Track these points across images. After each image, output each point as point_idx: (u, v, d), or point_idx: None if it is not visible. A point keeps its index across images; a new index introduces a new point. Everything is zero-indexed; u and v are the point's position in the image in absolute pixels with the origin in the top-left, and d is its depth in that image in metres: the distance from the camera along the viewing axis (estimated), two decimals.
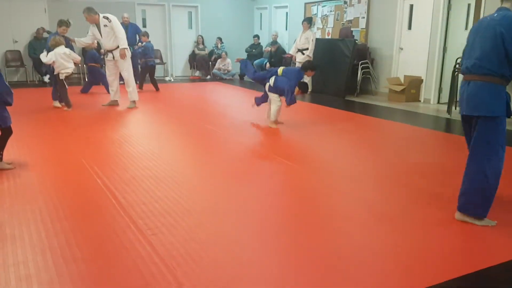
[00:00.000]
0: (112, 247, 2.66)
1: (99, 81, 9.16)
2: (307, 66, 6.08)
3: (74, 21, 8.95)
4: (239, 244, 2.72)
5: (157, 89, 9.83)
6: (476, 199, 2.99)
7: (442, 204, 3.36)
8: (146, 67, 9.93)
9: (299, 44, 9.62)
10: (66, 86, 6.96)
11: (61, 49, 6.80)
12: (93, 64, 9.17)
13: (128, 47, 7.42)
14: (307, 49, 9.48)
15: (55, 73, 6.95)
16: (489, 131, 2.93)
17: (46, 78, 10.41)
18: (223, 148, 5.15)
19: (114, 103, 7.79)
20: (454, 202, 3.14)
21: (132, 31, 11.03)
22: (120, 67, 7.47)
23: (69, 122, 6.40)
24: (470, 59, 3.01)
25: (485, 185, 2.97)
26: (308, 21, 9.63)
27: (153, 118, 6.97)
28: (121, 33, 7.23)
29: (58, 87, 7.06)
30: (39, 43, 10.61)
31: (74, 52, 7.30)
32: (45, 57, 6.83)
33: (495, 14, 3.01)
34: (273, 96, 6.01)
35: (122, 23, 10.79)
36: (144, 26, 12.45)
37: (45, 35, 10.72)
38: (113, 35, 7.20)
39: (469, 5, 8.35)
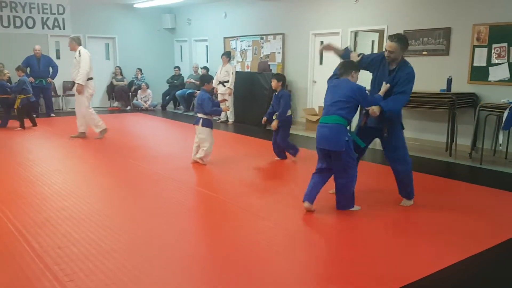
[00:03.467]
0: None
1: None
2: (202, 80, 6.05)
3: None
4: (164, 285, 2.71)
5: (34, 124, 9.03)
6: None
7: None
8: (29, 103, 8.81)
9: (220, 76, 9.86)
10: None
11: None
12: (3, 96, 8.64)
13: (83, 84, 7.51)
14: (227, 81, 9.72)
15: None
16: None
17: None
18: (145, 183, 5.07)
19: (82, 135, 7.89)
20: None
21: (45, 63, 10.61)
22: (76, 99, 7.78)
23: None
24: None
25: None
26: (227, 55, 9.92)
27: (69, 153, 6.68)
28: (83, 68, 7.43)
29: None
30: None
31: None
32: None
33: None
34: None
35: (33, 55, 10.41)
36: (58, 57, 12.00)
37: None
38: (78, 68, 7.48)
39: (373, 41, 9.14)
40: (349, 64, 4.10)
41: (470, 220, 3.95)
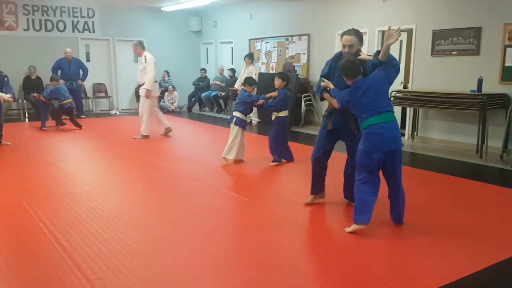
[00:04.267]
0: None
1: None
2: (246, 81, 6.07)
3: (13, 56, 8.78)
4: (188, 284, 2.74)
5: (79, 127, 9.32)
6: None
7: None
8: (60, 107, 9.08)
9: (242, 78, 9.88)
10: None
11: None
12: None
13: (150, 89, 7.90)
14: None
15: None
16: None
17: None
18: (172, 184, 5.14)
19: (168, 131, 8.36)
20: None
21: (75, 66, 10.88)
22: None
23: (7, 161, 6.15)
24: None
25: None
26: (250, 57, 9.98)
27: (97, 154, 6.84)
28: (150, 74, 7.79)
29: None
30: None
31: (9, 86, 7.20)
32: None
33: None
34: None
35: (64, 58, 10.69)
36: (88, 60, 12.30)
37: None
38: (144, 73, 7.86)
39: (401, 41, 8.99)
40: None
41: (502, 224, 3.84)
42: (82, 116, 11.00)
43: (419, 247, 3.32)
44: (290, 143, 6.14)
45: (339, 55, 3.90)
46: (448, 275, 2.85)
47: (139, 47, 8.05)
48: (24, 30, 11.13)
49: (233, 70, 11.63)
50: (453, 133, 7.41)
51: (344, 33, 3.79)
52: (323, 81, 3.92)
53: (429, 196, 4.66)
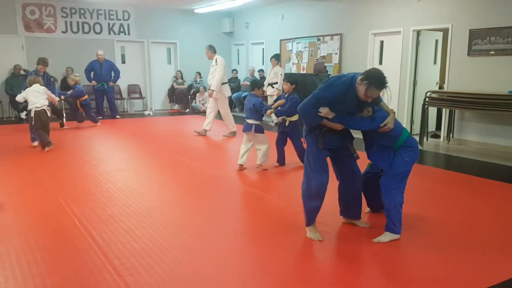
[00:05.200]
0: None
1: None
2: (252, 85, 5.83)
3: (51, 58, 9.05)
4: (218, 283, 2.76)
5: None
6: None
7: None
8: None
9: (268, 78, 10.00)
10: (39, 123, 6.74)
11: (35, 87, 6.84)
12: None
13: (216, 90, 8.20)
14: (276, 83, 9.80)
15: (28, 109, 6.91)
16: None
17: (23, 115, 10.36)
18: (202, 183, 5.19)
19: (203, 133, 8.51)
20: None
21: (107, 68, 11.12)
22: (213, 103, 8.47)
23: (45, 159, 6.36)
24: None
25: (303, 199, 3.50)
26: (276, 58, 9.97)
27: (131, 153, 6.99)
28: (218, 76, 8.12)
29: (29, 124, 6.96)
30: (16, 79, 10.60)
31: (54, 88, 7.47)
32: (18, 96, 6.95)
33: None
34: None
35: (96, 60, 10.97)
36: (123, 62, 12.59)
37: (22, 72, 10.74)
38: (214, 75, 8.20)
39: (436, 41, 8.78)
40: None
41: None
42: (117, 117, 11.25)
43: (451, 255, 3.23)
44: None
45: (350, 89, 3.24)
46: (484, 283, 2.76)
47: (211, 50, 8.38)
48: (62, 32, 11.50)
49: (262, 71, 11.66)
50: (490, 135, 7.18)
51: (380, 89, 3.21)
52: (323, 109, 3.31)
53: (464, 201, 4.53)
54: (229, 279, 2.82)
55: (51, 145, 6.81)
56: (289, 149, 5.91)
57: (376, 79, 3.14)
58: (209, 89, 8.48)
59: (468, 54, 7.37)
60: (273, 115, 5.70)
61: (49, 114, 6.90)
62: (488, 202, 4.46)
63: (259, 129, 5.60)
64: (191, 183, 5.20)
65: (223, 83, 8.27)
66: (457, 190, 4.93)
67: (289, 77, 5.86)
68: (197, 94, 12.78)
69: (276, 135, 5.99)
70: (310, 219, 3.50)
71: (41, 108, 6.69)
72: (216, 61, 8.25)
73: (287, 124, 5.75)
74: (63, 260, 3.06)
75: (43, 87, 6.96)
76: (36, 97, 6.76)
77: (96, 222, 3.78)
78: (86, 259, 3.07)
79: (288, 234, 3.58)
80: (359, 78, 3.17)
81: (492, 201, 4.50)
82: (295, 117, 5.70)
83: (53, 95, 7.12)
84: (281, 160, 5.96)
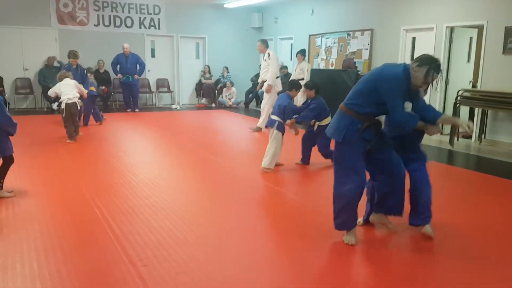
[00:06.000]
0: (102, 280, 2.67)
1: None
2: (291, 85, 5.62)
3: (83, 51, 9.23)
4: (231, 279, 2.72)
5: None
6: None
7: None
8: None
9: (294, 74, 9.72)
10: (67, 116, 6.78)
11: (66, 81, 6.96)
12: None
13: (272, 85, 8.22)
14: (302, 79, 9.52)
15: (59, 100, 7.04)
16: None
17: (55, 106, 10.61)
18: (223, 179, 5.17)
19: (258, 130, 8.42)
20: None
21: (133, 61, 11.22)
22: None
23: (72, 150, 6.48)
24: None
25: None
26: (302, 53, 9.69)
27: (155, 146, 7.04)
28: (272, 70, 8.18)
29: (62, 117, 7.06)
30: (50, 71, 10.86)
31: (87, 81, 7.62)
32: (50, 91, 7.10)
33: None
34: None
35: (122, 53, 11.09)
36: (153, 56, 12.73)
37: (56, 64, 11.00)
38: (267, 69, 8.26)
39: (471, 38, 8.47)
40: None
41: None
42: (136, 110, 11.22)
43: (484, 266, 3.09)
44: None
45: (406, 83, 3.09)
46: None
47: (263, 44, 8.43)
48: (95, 25, 11.71)
49: (286, 68, 11.50)
50: None
51: (439, 72, 3.07)
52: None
53: (494, 206, 4.33)
54: (243, 275, 2.77)
55: (73, 139, 6.90)
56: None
57: (434, 62, 3.03)
58: (262, 84, 8.50)
59: (504, 52, 7.07)
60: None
61: (79, 107, 7.00)
62: None
63: (281, 128, 5.37)
64: (212, 179, 5.18)
65: (276, 77, 8.30)
66: (487, 193, 4.73)
67: (306, 84, 5.68)
68: (224, 89, 12.80)
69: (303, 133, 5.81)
70: (348, 223, 3.28)
71: (72, 101, 6.81)
72: (269, 56, 8.28)
73: (315, 128, 5.54)
74: (80, 249, 3.09)
75: (74, 81, 7.07)
76: (68, 89, 6.89)
77: (117, 213, 3.81)
78: (103, 249, 3.09)
79: (307, 233, 3.51)
80: (413, 65, 3.05)
81: None
82: (325, 121, 5.43)
83: (83, 89, 7.20)
84: (305, 159, 5.79)
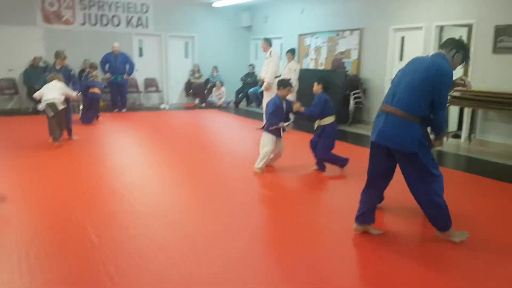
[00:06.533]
0: None
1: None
2: (278, 84, 5.39)
3: (69, 50, 9.03)
4: (212, 286, 2.62)
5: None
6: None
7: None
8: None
9: (283, 74, 9.19)
10: (51, 117, 6.64)
11: (52, 83, 6.78)
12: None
13: (271, 83, 8.07)
14: (289, 79, 9.23)
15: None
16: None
17: (40, 106, 10.39)
18: (210, 181, 5.05)
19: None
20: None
21: (122, 60, 11.05)
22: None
23: (55, 153, 6.32)
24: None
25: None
26: (292, 52, 9.18)
27: (141, 147, 6.89)
28: (272, 68, 8.11)
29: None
30: (35, 71, 10.66)
31: (75, 81, 7.44)
32: (35, 94, 6.89)
33: (429, 57, 3.18)
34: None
35: (111, 52, 10.91)
36: (141, 55, 12.55)
37: (42, 64, 10.79)
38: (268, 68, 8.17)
39: (460, 37, 8.39)
40: None
41: None
42: (123, 110, 11.02)
43: (465, 266, 3.01)
44: (337, 142, 5.61)
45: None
46: None
47: (267, 43, 8.35)
48: (81, 24, 11.50)
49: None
50: None
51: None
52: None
53: (484, 207, 4.26)
54: (227, 280, 2.67)
55: (57, 140, 6.72)
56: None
57: (465, 45, 3.17)
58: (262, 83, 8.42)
59: (493, 52, 7.03)
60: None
61: (59, 108, 6.73)
62: (509, 209, 4.19)
63: (267, 128, 5.26)
64: (198, 182, 5.05)
65: (276, 77, 8.14)
66: (477, 194, 4.67)
67: (319, 78, 5.31)
68: (214, 89, 12.67)
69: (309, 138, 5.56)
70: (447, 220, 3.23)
71: (50, 102, 6.61)
72: (270, 54, 8.19)
73: (315, 128, 5.28)
74: (56, 257, 2.96)
75: (61, 84, 6.83)
76: (50, 91, 6.70)
77: (95, 219, 3.68)
78: (80, 257, 2.97)
79: (291, 238, 3.41)
80: (451, 53, 3.10)
81: None
82: (326, 120, 5.19)
83: (70, 92, 6.95)
84: (319, 164, 5.44)
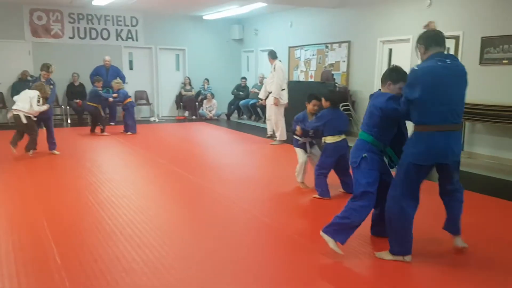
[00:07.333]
0: None
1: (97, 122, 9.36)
2: (309, 96, 5.07)
3: (58, 63, 8.95)
4: None
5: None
6: None
7: None
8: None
9: (268, 83, 8.53)
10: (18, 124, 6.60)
11: (28, 92, 6.68)
12: (92, 104, 9.30)
13: (278, 97, 8.06)
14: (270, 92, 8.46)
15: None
16: None
17: (8, 115, 10.24)
18: (195, 198, 4.93)
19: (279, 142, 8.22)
20: None
21: (113, 73, 10.98)
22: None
23: (36, 167, 6.21)
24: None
25: None
26: (273, 56, 8.44)
27: (124, 162, 6.79)
28: (277, 82, 7.99)
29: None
30: (23, 84, 10.52)
31: (52, 95, 7.34)
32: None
33: (448, 61, 2.97)
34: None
35: (103, 66, 10.86)
36: (131, 68, 12.50)
37: (29, 78, 10.71)
38: (273, 81, 8.07)
39: (448, 49, 8.38)
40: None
41: None
42: (111, 123, 10.84)
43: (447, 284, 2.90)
44: None
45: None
46: None
47: (271, 56, 8.25)
48: (70, 38, 11.47)
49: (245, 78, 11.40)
50: (503, 149, 6.76)
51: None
52: None
53: (469, 223, 4.15)
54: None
55: (14, 146, 6.64)
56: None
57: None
58: (258, 96, 8.40)
59: (480, 63, 6.99)
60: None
61: (24, 121, 6.54)
62: (495, 224, 4.09)
63: (295, 143, 5.17)
64: (182, 199, 4.94)
65: (282, 89, 8.09)
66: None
67: (326, 93, 4.97)
68: (205, 101, 12.61)
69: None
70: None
71: (16, 113, 6.53)
72: (274, 67, 8.09)
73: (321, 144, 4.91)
74: (20, 279, 2.84)
75: (32, 95, 6.66)
76: (19, 99, 6.61)
77: (63, 237, 3.56)
78: (43, 279, 2.85)
79: (271, 254, 3.30)
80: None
81: (500, 223, 4.12)
82: (328, 139, 4.72)
83: (36, 108, 6.73)
84: (344, 186, 4.98)
